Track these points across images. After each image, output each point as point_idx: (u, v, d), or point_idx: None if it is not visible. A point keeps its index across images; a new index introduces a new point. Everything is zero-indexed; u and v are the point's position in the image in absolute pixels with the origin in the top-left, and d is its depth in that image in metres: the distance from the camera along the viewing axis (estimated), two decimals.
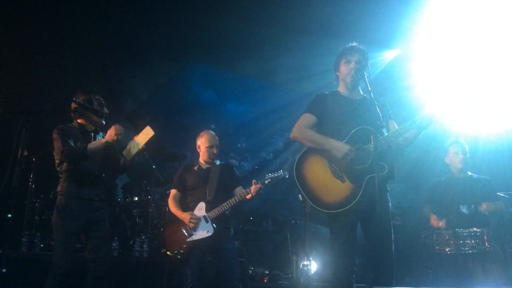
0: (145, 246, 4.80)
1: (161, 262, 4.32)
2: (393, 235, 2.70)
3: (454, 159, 4.18)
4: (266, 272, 5.35)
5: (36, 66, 5.63)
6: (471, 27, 5.35)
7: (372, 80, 2.73)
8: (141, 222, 5.42)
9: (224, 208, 3.63)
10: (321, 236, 5.73)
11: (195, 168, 3.90)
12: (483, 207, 3.88)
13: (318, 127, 2.92)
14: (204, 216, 3.66)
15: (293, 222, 5.75)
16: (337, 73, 2.98)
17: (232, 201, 3.64)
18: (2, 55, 5.34)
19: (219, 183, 3.80)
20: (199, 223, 3.64)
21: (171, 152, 6.06)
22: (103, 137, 3.21)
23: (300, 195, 2.85)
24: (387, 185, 2.82)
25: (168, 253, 3.68)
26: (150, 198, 5.41)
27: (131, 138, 3.36)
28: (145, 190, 5.60)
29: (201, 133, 3.98)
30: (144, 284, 4.37)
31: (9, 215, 3.11)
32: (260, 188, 3.58)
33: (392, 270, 2.64)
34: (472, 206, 3.95)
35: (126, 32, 5.87)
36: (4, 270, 2.35)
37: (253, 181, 3.62)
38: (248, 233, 6.26)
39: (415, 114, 2.76)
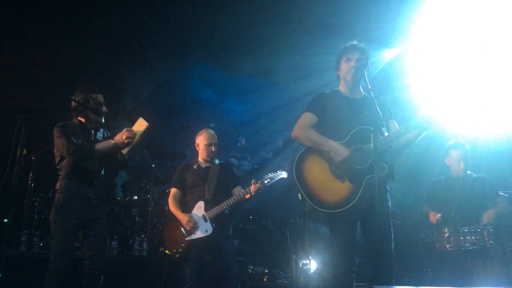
0: (144, 245, 4.80)
1: (160, 261, 4.32)
2: (392, 234, 2.70)
3: (455, 165, 4.18)
4: (266, 271, 5.36)
5: (36, 65, 5.63)
6: (470, 27, 5.34)
7: (372, 79, 2.72)
8: (141, 221, 5.42)
9: (223, 207, 3.63)
10: (320, 235, 5.73)
11: (194, 166, 3.90)
12: (485, 219, 3.88)
13: (319, 126, 2.91)
14: (203, 215, 3.65)
15: (292, 221, 5.76)
16: (338, 72, 2.98)
17: (231, 200, 3.63)
18: (1, 54, 5.33)
19: (218, 182, 3.79)
20: (197, 224, 3.64)
21: (170, 151, 6.06)
22: (111, 138, 3.22)
23: (299, 194, 2.85)
24: (387, 185, 2.82)
25: (167, 251, 3.68)
26: (149, 197, 5.40)
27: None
28: (144, 189, 5.59)
29: (200, 132, 3.98)
30: (143, 283, 4.38)
31: (6, 220, 3.13)
32: (259, 188, 3.58)
33: (392, 269, 2.64)
34: (471, 204, 3.94)
35: (126, 31, 5.87)
36: (0, 275, 2.34)
37: (252, 181, 3.62)
38: (247, 232, 6.25)
39: (415, 113, 2.76)
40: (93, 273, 3.16)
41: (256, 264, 5.50)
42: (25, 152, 2.57)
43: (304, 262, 5.15)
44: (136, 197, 5.52)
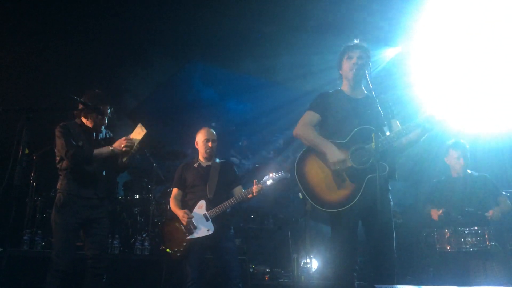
0: (146, 244, 4.81)
1: (162, 260, 4.33)
2: (394, 234, 2.70)
3: (454, 164, 4.17)
4: (267, 270, 5.36)
5: (37, 64, 5.63)
6: (472, 25, 5.33)
7: (373, 78, 2.72)
8: (142, 220, 5.43)
9: (225, 207, 3.63)
10: (321, 234, 5.73)
11: (195, 165, 3.90)
12: (490, 214, 3.85)
13: (321, 125, 2.91)
14: (205, 214, 3.65)
15: (293, 220, 5.75)
16: (340, 71, 2.98)
17: (233, 200, 3.63)
18: (2, 53, 5.33)
19: (219, 181, 3.79)
20: (195, 221, 3.63)
21: (171, 150, 6.07)
22: (113, 138, 3.25)
23: (300, 193, 2.85)
24: (389, 185, 2.81)
25: (168, 250, 3.68)
26: (151, 196, 5.41)
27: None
28: (146, 188, 5.60)
29: (199, 130, 3.99)
30: (145, 282, 4.38)
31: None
32: (261, 189, 3.58)
33: (393, 268, 2.64)
34: (474, 211, 3.92)
35: (127, 30, 5.87)
36: None
37: (254, 181, 3.62)
38: (249, 231, 6.26)
39: (416, 112, 2.75)
40: (95, 272, 3.17)
41: (257, 263, 5.50)
42: (27, 151, 2.57)
43: (306, 261, 5.15)
44: (137, 196, 5.53)
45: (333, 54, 3.06)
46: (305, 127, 2.89)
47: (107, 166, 3.35)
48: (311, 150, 2.86)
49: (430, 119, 2.64)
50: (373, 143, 2.50)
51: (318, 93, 3.01)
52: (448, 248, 3.90)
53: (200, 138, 3.95)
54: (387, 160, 2.66)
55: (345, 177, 2.71)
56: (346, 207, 2.65)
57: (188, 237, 3.62)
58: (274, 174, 3.66)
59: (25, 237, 4.51)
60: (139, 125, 3.31)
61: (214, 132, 3.98)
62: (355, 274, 2.69)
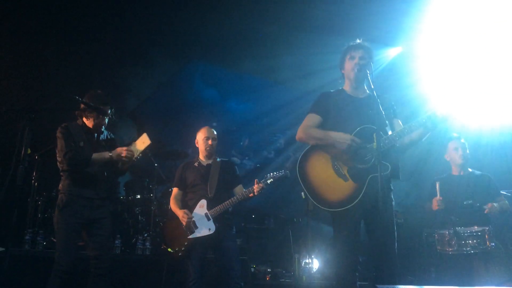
0: (147, 243, 4.82)
1: (163, 259, 4.33)
2: (396, 233, 2.70)
3: (453, 155, 4.16)
4: (268, 270, 5.36)
5: (39, 65, 5.65)
6: (473, 23, 5.34)
7: (375, 77, 2.72)
8: (144, 220, 5.43)
9: (226, 206, 3.63)
10: (323, 234, 5.73)
11: (195, 164, 3.90)
12: (488, 207, 3.85)
13: (323, 125, 2.91)
14: (206, 214, 3.66)
15: (295, 220, 5.75)
16: (342, 71, 2.98)
17: (234, 199, 3.64)
18: (5, 53, 5.34)
19: (220, 180, 3.80)
20: (197, 220, 3.63)
21: (173, 150, 6.07)
22: (114, 140, 3.28)
23: (302, 193, 2.86)
24: (391, 184, 2.81)
25: (169, 249, 3.68)
26: (152, 196, 5.42)
27: (132, 136, 3.38)
28: (147, 188, 5.61)
29: (199, 129, 4.00)
30: (146, 282, 4.39)
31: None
32: (262, 188, 3.59)
33: (395, 268, 2.64)
34: (473, 202, 3.93)
35: (128, 30, 5.88)
36: None
37: (255, 180, 3.62)
38: (250, 231, 6.26)
39: (418, 110, 2.75)
40: (98, 272, 3.18)
41: (258, 263, 5.50)
42: (29, 151, 2.58)
43: (307, 261, 5.16)
44: (139, 196, 5.54)
45: (334, 54, 3.06)
46: (307, 129, 2.89)
47: (108, 169, 3.36)
48: (314, 150, 2.86)
49: (432, 118, 2.64)
50: (374, 143, 2.50)
51: (320, 93, 3.01)
52: (449, 250, 3.89)
53: (200, 137, 3.95)
54: (389, 159, 2.66)
55: (347, 177, 2.71)
56: (348, 206, 2.65)
57: (190, 237, 3.62)
58: (274, 173, 3.67)
59: (26, 237, 4.53)
60: (145, 134, 3.32)
61: (214, 131, 3.98)
62: (356, 274, 2.68)
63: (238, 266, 3.64)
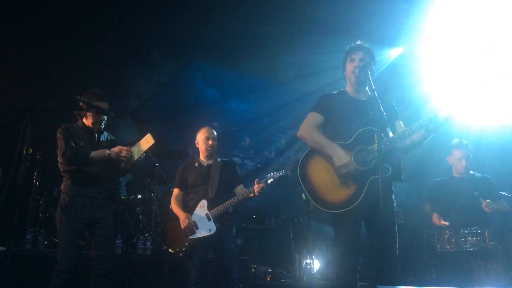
0: (148, 243, 4.82)
1: (164, 259, 4.34)
2: (397, 234, 2.69)
3: (456, 164, 4.18)
4: (269, 270, 5.35)
5: (40, 65, 5.66)
6: (474, 23, 5.33)
7: (376, 78, 2.72)
8: (145, 219, 5.44)
9: (226, 206, 3.63)
10: (324, 234, 5.73)
11: (196, 164, 3.90)
12: (484, 204, 3.86)
13: (324, 126, 2.91)
14: (206, 214, 3.66)
15: (296, 220, 5.75)
16: (344, 73, 2.99)
17: (234, 199, 3.64)
18: (7, 53, 5.35)
19: (221, 181, 3.79)
20: (197, 221, 3.63)
21: (174, 150, 6.07)
22: (115, 141, 3.28)
23: (303, 194, 2.85)
24: (392, 186, 2.81)
25: (170, 250, 3.69)
26: (153, 196, 5.42)
27: (133, 136, 3.39)
28: (148, 188, 5.61)
29: (199, 129, 4.00)
30: (147, 282, 4.39)
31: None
32: (262, 188, 3.59)
33: (396, 269, 2.63)
34: (474, 204, 3.93)
35: (130, 30, 5.89)
36: None
37: (256, 180, 3.62)
38: (251, 231, 6.26)
39: (419, 111, 2.75)
40: (100, 273, 3.18)
41: (259, 264, 5.49)
42: (31, 151, 2.58)
43: (307, 261, 5.15)
44: (140, 196, 5.54)
45: (335, 54, 3.06)
46: (309, 128, 2.89)
47: (110, 168, 3.36)
48: (315, 151, 2.85)
49: (433, 120, 2.63)
50: (375, 144, 2.50)
51: (322, 94, 3.01)
52: (448, 248, 3.90)
53: (200, 137, 3.95)
54: (390, 161, 2.66)
55: (348, 178, 2.71)
56: (349, 208, 2.65)
57: (190, 237, 3.62)
58: (275, 173, 3.67)
59: (28, 236, 4.54)
60: (149, 134, 3.32)
61: (214, 131, 3.99)
62: (357, 274, 2.68)
63: (238, 267, 3.64)
